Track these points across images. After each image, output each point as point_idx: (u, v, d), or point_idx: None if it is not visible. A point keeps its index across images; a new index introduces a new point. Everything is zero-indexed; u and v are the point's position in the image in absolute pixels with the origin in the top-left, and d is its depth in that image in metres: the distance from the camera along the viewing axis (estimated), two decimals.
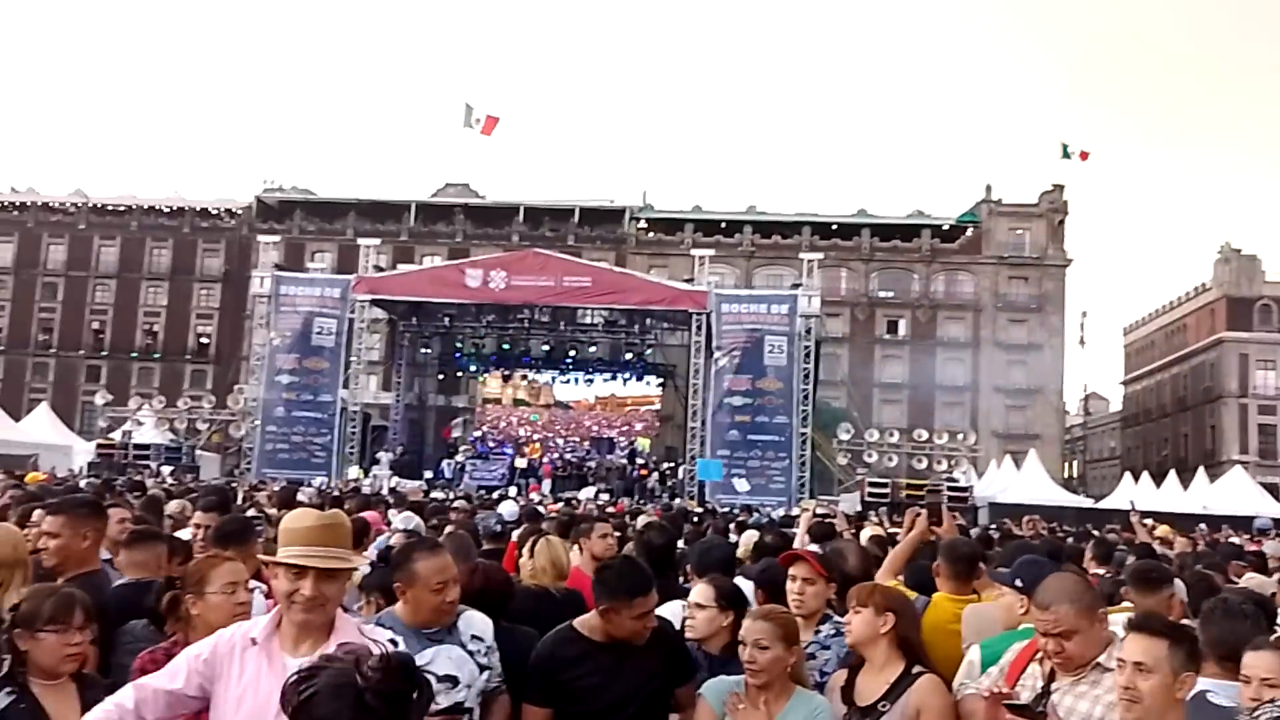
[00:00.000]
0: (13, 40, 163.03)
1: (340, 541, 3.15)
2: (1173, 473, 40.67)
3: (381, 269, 40.54)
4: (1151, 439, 73.71)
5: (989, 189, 66.67)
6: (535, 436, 44.43)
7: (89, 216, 69.12)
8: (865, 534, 9.80)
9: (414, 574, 3.75)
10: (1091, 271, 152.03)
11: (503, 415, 45.92)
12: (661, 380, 43.82)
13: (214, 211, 69.53)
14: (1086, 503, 39.86)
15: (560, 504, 20.97)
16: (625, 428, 44.79)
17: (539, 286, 35.66)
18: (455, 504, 14.77)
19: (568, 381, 43.92)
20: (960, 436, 38.76)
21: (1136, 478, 41.49)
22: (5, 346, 67.44)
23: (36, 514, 4.70)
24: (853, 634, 3.89)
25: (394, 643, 3.63)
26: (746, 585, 5.40)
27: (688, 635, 4.34)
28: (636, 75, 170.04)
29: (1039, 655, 3.61)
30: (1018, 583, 4.14)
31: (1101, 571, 8.02)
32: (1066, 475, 64.38)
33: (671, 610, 4.86)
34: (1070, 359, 64.20)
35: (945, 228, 66.57)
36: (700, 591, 4.47)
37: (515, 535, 7.67)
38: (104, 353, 67.01)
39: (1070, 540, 12.16)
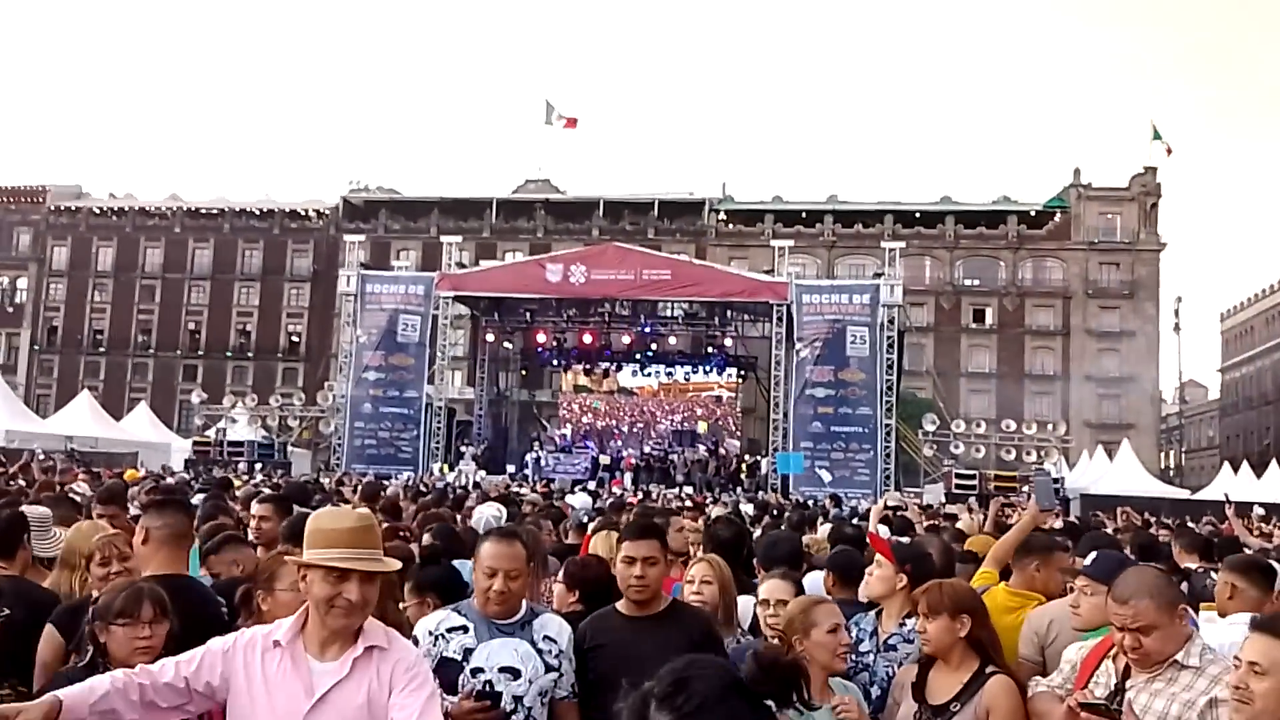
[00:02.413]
0: (109, 54, 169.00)
1: (379, 542, 3.08)
2: (1274, 462, 39.22)
3: (464, 266, 41.07)
4: (1252, 428, 71.25)
5: (1077, 173, 65.18)
6: (599, 424, 44.51)
7: (184, 220, 71.32)
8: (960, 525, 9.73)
9: (478, 557, 3.90)
10: (1187, 256, 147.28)
11: (563, 401, 46.13)
12: (743, 372, 43.65)
13: (302, 213, 71.22)
14: (1183, 494, 38.70)
15: (640, 497, 21.07)
16: (687, 413, 44.53)
17: (619, 280, 35.76)
18: (527, 497, 14.92)
19: (649, 374, 43.99)
20: (1050, 427, 38.09)
21: (1236, 468, 40.07)
22: (107, 348, 69.91)
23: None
24: (932, 643, 3.84)
25: (464, 629, 3.75)
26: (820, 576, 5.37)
27: (768, 632, 4.28)
28: (715, 66, 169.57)
29: (1113, 651, 3.53)
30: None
31: (1193, 565, 7.73)
32: (1162, 466, 62.57)
33: (745, 605, 4.87)
34: (1165, 346, 62.30)
35: (1032, 214, 65.14)
36: (779, 588, 4.43)
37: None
38: (200, 352, 69.13)
39: (1160, 533, 11.75)
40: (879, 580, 4.62)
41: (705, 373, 43.30)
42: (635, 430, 43.98)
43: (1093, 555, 4.46)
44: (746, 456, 39.92)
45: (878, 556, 4.70)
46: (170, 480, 17.10)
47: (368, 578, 2.95)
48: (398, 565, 3.14)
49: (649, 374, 43.80)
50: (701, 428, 43.35)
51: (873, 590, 4.66)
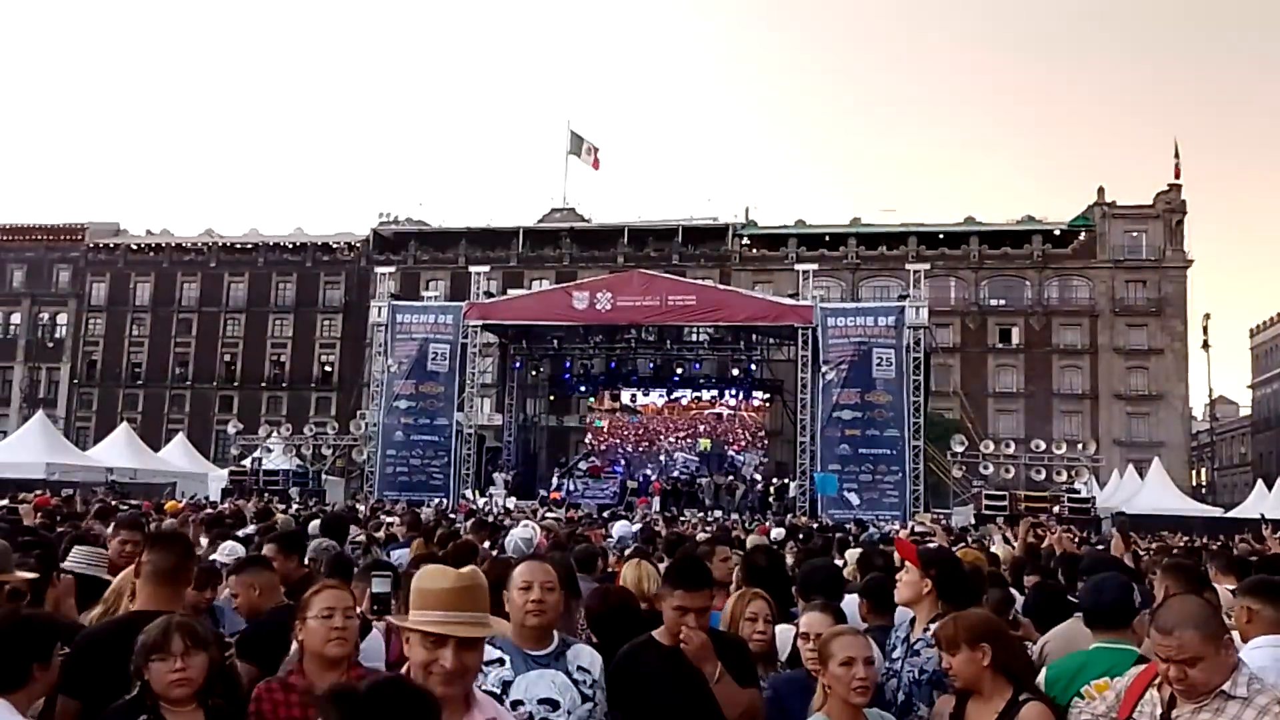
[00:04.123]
0: (146, 95, 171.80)
1: (480, 604, 2.91)
2: None
3: (492, 295, 41.51)
4: None
5: (1101, 191, 64.97)
6: (601, 445, 44.77)
7: (219, 255, 72.34)
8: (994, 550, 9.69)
9: (510, 581, 3.92)
10: (1214, 272, 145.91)
11: (588, 426, 46.41)
12: (769, 395, 43.77)
13: (334, 246, 71.99)
14: (1215, 512, 38.45)
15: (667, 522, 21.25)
16: (690, 431, 44.59)
17: (644, 306, 36.07)
18: (545, 520, 15.14)
19: (674, 398, 44.20)
20: (1080, 446, 37.85)
21: (1270, 485, 39.70)
22: (145, 380, 70.81)
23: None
24: (960, 677, 3.81)
25: (501, 662, 3.75)
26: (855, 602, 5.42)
27: (809, 666, 4.19)
28: (736, 93, 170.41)
29: (1158, 680, 3.42)
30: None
31: (1231, 587, 7.66)
32: (1194, 483, 61.99)
33: (784, 635, 4.87)
34: (1194, 363, 61.82)
35: (1057, 232, 65.00)
36: (819, 620, 4.40)
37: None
38: (235, 383, 69.84)
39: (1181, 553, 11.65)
40: (906, 585, 4.72)
41: (731, 395, 43.45)
42: (641, 449, 44.05)
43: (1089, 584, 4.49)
44: (774, 480, 39.99)
45: (905, 562, 4.80)
46: (210, 510, 17.34)
47: (468, 643, 2.81)
48: (505, 627, 3.02)
49: (675, 397, 43.99)
50: (703, 444, 43.39)
51: (901, 596, 4.78)
